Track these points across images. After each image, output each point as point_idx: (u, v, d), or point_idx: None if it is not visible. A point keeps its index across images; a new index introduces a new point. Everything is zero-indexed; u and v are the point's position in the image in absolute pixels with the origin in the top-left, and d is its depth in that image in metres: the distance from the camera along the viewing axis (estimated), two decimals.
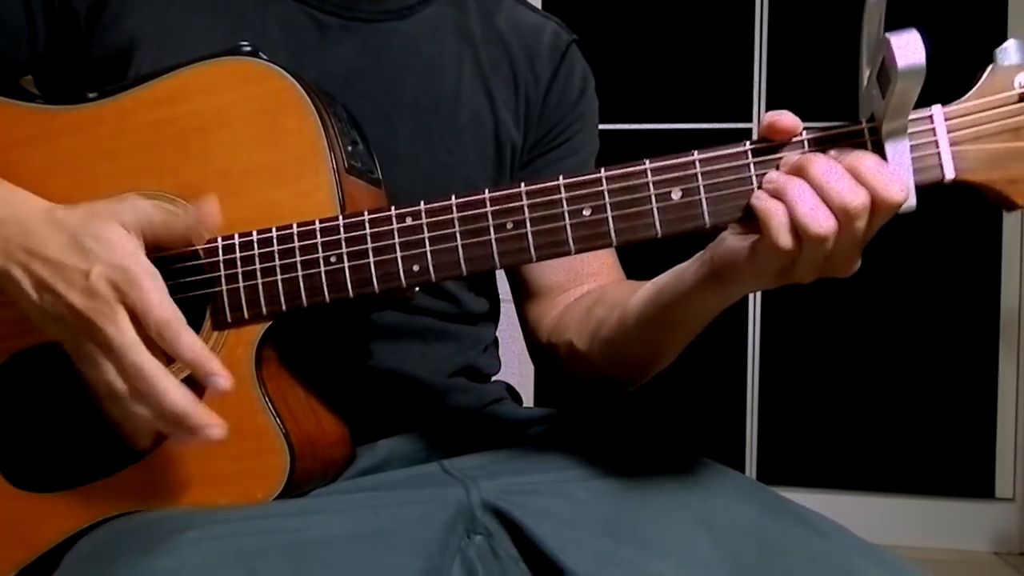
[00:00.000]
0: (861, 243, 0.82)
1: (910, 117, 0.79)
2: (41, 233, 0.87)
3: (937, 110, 0.81)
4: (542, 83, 1.20)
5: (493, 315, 1.25)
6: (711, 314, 0.99)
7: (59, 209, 0.90)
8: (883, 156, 0.80)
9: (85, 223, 0.87)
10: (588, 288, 1.19)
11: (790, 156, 0.83)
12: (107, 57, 1.04)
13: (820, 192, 0.79)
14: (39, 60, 1.07)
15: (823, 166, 0.79)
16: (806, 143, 0.82)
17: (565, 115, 1.22)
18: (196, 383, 0.92)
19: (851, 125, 0.82)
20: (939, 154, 0.80)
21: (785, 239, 0.80)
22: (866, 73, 0.81)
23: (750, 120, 3.30)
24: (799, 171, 0.81)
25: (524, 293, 1.23)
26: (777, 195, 0.81)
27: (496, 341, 1.27)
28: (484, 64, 1.17)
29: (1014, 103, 0.80)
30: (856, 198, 0.78)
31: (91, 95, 0.98)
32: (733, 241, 0.88)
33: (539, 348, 1.23)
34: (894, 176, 0.79)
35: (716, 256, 0.90)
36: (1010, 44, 0.81)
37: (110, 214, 0.88)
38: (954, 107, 0.81)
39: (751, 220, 0.82)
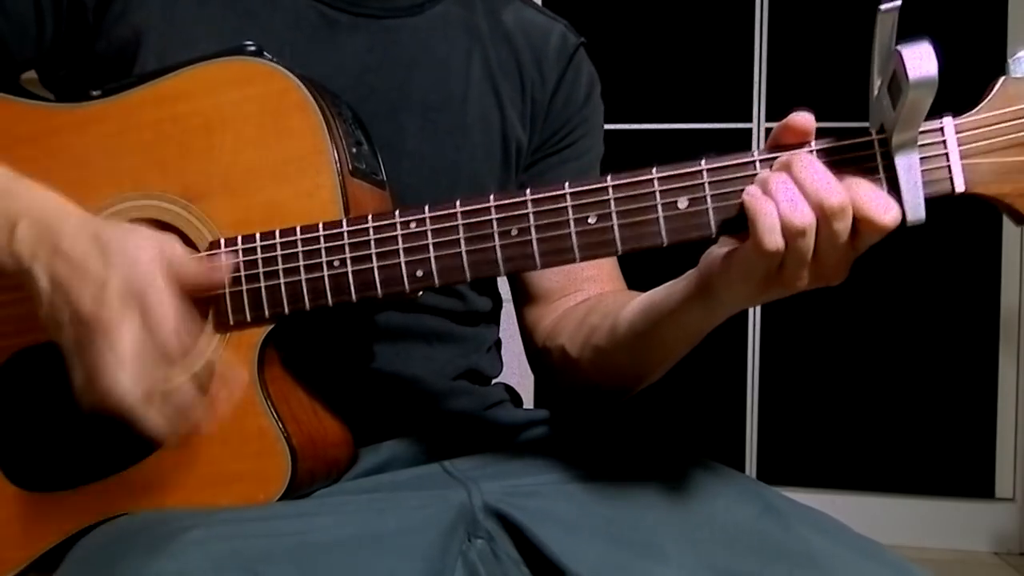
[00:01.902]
0: (848, 251, 0.82)
1: (920, 129, 0.79)
2: (71, 235, 0.87)
3: (948, 122, 0.80)
4: (549, 84, 1.20)
5: (495, 315, 1.25)
6: (698, 334, 0.99)
7: (95, 219, 0.90)
8: (893, 168, 0.80)
9: (118, 236, 0.87)
10: (587, 294, 1.19)
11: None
12: (114, 50, 1.04)
13: (799, 187, 0.79)
14: (45, 54, 1.07)
15: (806, 163, 0.80)
16: (814, 154, 0.82)
17: (571, 118, 1.22)
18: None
19: (861, 136, 0.82)
20: (949, 167, 0.80)
21: (771, 238, 0.80)
22: (877, 83, 0.80)
23: (750, 120, 3.29)
24: (784, 167, 0.81)
25: (523, 296, 1.23)
26: (761, 187, 0.81)
27: (499, 342, 1.27)
28: (492, 63, 1.17)
29: None
30: (832, 196, 0.78)
31: (95, 93, 0.98)
32: (721, 251, 0.88)
33: (534, 352, 1.23)
34: (883, 198, 0.79)
35: (704, 266, 0.91)
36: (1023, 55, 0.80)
37: (144, 236, 0.88)
38: (965, 119, 0.80)
39: (746, 229, 0.82)
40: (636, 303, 1.04)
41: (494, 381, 1.24)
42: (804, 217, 0.79)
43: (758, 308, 3.31)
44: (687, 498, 0.92)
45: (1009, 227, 3.17)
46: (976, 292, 3.22)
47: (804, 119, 0.82)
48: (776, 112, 3.23)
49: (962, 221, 3.09)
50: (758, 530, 0.88)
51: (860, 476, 3.28)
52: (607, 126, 1.28)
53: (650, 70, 3.35)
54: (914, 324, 3.25)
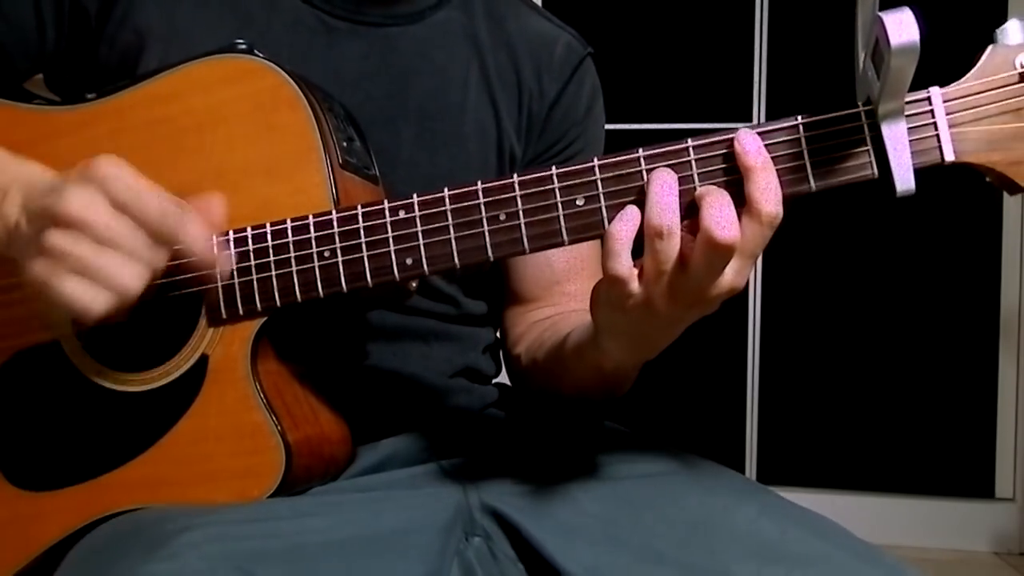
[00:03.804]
0: (704, 277, 0.80)
1: (907, 99, 0.78)
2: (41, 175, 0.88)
3: (935, 92, 0.80)
4: (548, 97, 1.19)
5: (492, 318, 1.25)
6: (596, 369, 0.99)
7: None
8: (880, 139, 0.79)
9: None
10: (560, 309, 1.19)
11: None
12: (117, 55, 1.05)
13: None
14: (48, 60, 1.08)
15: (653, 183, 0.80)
16: (801, 127, 0.81)
17: (568, 131, 1.21)
18: (187, 385, 0.92)
19: (848, 110, 0.81)
20: (938, 136, 0.79)
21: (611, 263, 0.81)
22: (861, 56, 0.80)
23: (750, 120, 3.29)
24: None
25: (502, 299, 1.24)
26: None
27: (496, 343, 1.27)
28: (491, 72, 1.16)
29: (1015, 83, 0.79)
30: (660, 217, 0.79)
31: (89, 96, 0.99)
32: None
33: (505, 355, 1.24)
34: (724, 214, 0.78)
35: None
36: (1011, 24, 0.79)
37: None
38: (953, 88, 0.80)
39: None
40: (569, 327, 1.05)
41: (492, 381, 1.24)
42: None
43: (758, 307, 3.31)
44: (684, 498, 0.92)
45: (1009, 227, 3.17)
46: (976, 292, 3.22)
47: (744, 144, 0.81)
48: (776, 112, 3.24)
49: (962, 221, 3.10)
50: (755, 532, 0.88)
51: (860, 476, 3.27)
52: (608, 126, 1.27)
53: (650, 70, 3.35)
54: (914, 324, 3.24)
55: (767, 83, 3.30)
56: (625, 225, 0.80)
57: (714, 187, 0.80)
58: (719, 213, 0.77)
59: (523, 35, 1.20)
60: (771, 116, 3.24)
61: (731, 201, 0.78)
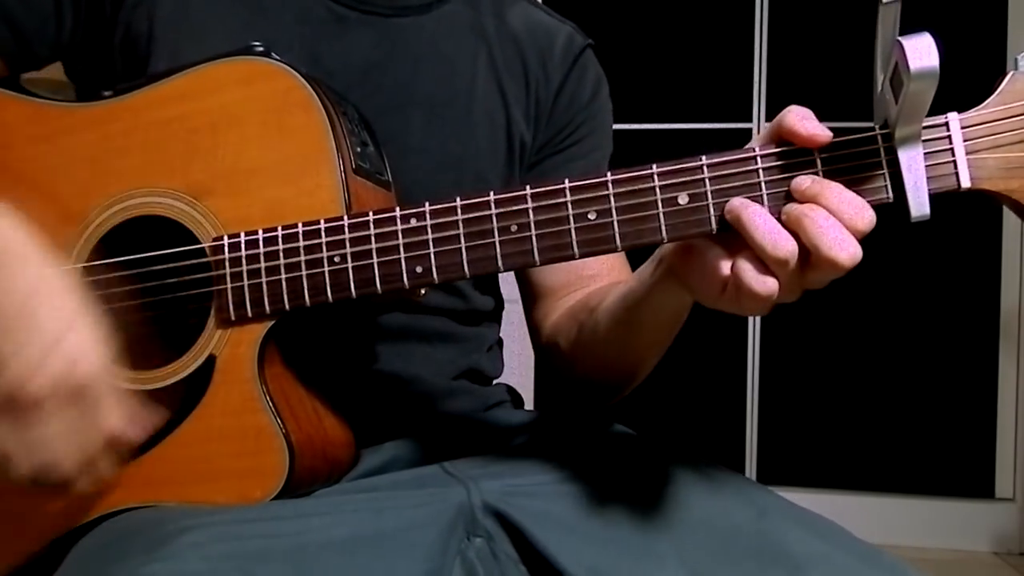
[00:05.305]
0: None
1: (925, 124, 0.78)
2: (17, 281, 0.83)
3: (953, 117, 0.79)
4: (553, 84, 1.21)
5: (497, 314, 1.25)
6: (681, 310, 0.98)
7: (55, 274, 0.85)
8: (896, 163, 0.79)
9: (68, 311, 0.83)
10: (588, 289, 1.19)
11: (801, 179, 0.80)
12: (129, 41, 1.06)
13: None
14: (65, 47, 1.08)
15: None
16: (816, 149, 0.80)
17: (574, 117, 1.22)
18: (194, 385, 0.92)
19: (864, 132, 0.80)
20: (955, 162, 0.78)
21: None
22: (880, 78, 0.79)
23: (750, 120, 3.30)
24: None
25: (528, 295, 1.24)
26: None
27: (500, 342, 1.27)
28: (498, 62, 1.18)
29: None
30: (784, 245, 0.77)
31: (106, 93, 0.99)
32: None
33: (540, 350, 1.23)
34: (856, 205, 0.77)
35: (667, 252, 0.90)
36: None
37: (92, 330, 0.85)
38: (971, 114, 0.79)
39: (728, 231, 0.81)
40: (615, 293, 1.04)
41: (495, 381, 1.24)
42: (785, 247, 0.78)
43: None
44: (685, 500, 0.92)
45: (1009, 227, 3.18)
46: (976, 292, 3.23)
47: (811, 135, 0.80)
48: (776, 112, 3.23)
49: (962, 221, 3.10)
50: (756, 532, 0.88)
51: (860, 476, 3.28)
52: None
53: (651, 70, 3.36)
54: (914, 324, 3.25)
55: (767, 83, 3.30)
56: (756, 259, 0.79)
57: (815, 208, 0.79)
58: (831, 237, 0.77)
59: (526, 28, 1.21)
60: (771, 117, 3.24)
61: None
